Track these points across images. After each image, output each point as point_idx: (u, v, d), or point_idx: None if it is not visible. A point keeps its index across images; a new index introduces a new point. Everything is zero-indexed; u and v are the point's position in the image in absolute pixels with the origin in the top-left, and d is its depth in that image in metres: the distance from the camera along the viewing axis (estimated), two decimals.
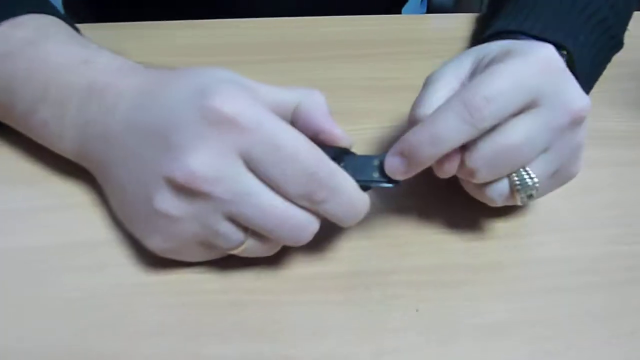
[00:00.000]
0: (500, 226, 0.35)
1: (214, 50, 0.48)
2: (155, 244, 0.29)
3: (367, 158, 0.31)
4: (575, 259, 0.34)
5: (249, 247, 0.29)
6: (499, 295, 0.32)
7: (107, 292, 0.30)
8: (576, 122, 0.31)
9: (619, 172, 0.40)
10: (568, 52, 0.39)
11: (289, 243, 0.29)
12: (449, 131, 0.28)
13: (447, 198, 0.37)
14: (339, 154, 0.30)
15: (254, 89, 0.29)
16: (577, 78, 0.36)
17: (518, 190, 0.31)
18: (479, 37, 0.44)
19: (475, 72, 0.33)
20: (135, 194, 0.29)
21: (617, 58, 0.47)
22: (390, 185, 0.30)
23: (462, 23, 0.54)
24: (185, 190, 0.27)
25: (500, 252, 0.34)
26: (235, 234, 0.28)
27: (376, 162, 0.31)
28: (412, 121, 0.32)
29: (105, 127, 0.30)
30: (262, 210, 0.27)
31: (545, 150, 0.31)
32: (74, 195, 0.35)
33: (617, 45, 0.46)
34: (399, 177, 0.30)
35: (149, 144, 0.28)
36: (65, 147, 0.33)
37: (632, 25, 0.51)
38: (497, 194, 0.31)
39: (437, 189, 0.37)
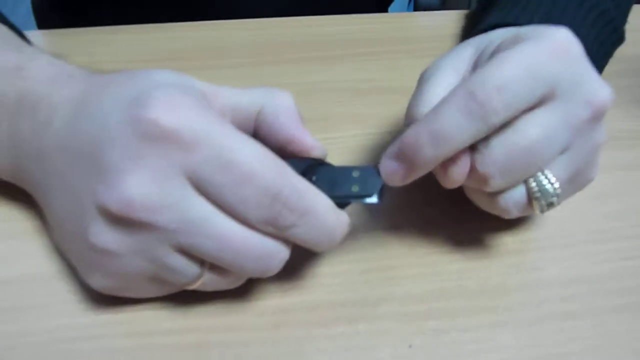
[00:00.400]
0: (502, 242, 0.31)
1: (181, 55, 0.44)
2: (96, 282, 0.25)
3: (345, 170, 0.27)
4: (588, 279, 0.30)
5: (208, 281, 0.25)
6: (503, 324, 0.28)
7: (43, 339, 0.26)
8: (597, 116, 0.26)
9: (628, 176, 0.36)
10: None
11: (255, 275, 0.25)
12: (454, 127, 0.24)
13: (443, 211, 0.33)
14: (311, 167, 0.26)
15: (205, 94, 0.25)
16: None
17: (537, 198, 0.26)
18: (470, 33, 0.40)
19: (478, 63, 0.28)
20: (72, 225, 0.25)
21: (619, 53, 0.44)
22: (374, 200, 0.26)
23: (450, 20, 0.50)
24: (123, 221, 0.23)
25: (504, 272, 0.30)
26: (190, 268, 0.24)
27: (356, 174, 0.26)
28: (409, 124, 0.28)
29: (39, 146, 0.26)
30: (217, 240, 0.23)
31: (563, 150, 0.26)
32: (9, 221, 0.30)
33: (619, 39, 0.43)
34: (397, 183, 0.26)
35: (80, 167, 0.24)
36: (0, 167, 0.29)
37: (635, 19, 0.48)
38: (513, 203, 0.27)
39: (430, 200, 0.33)
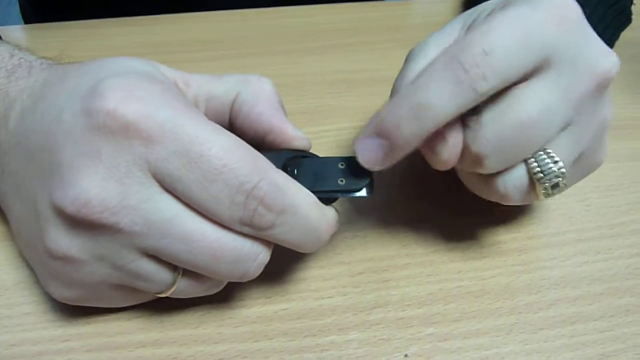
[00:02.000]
0: (505, 239, 0.29)
1: (166, 47, 0.42)
2: (57, 291, 0.23)
3: (330, 161, 0.24)
4: (598, 277, 0.27)
5: (182, 288, 0.22)
6: (508, 329, 0.25)
7: (5, 353, 0.23)
8: (601, 88, 0.23)
9: (638, 167, 0.34)
10: None
11: (232, 279, 0.22)
12: (438, 97, 0.21)
13: (439, 206, 0.30)
14: (293, 159, 0.24)
15: (176, 82, 0.23)
16: None
17: (540, 180, 0.23)
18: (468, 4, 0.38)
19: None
20: (29, 229, 0.22)
21: (629, 38, 0.41)
22: (363, 193, 0.24)
23: (446, 8, 0.48)
24: (81, 224, 0.20)
25: (507, 272, 0.28)
26: (160, 274, 0.22)
27: (342, 166, 0.24)
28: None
29: None
30: (187, 242, 0.21)
31: (566, 126, 0.23)
32: None
33: (626, 20, 0.41)
34: (376, 166, 0.23)
35: (34, 165, 0.22)
36: None
37: (637, 1, 0.46)
38: (513, 186, 0.24)
39: (425, 194, 0.31)
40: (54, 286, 0.23)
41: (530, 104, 0.22)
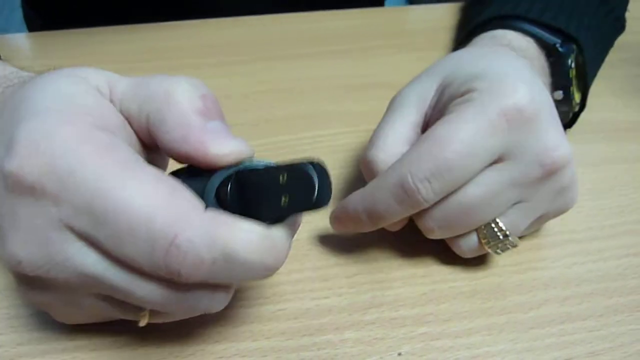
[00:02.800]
0: None
1: (168, 54, 0.43)
2: (55, 317, 0.24)
3: (269, 174, 0.20)
4: (587, 278, 0.28)
5: (156, 317, 0.22)
6: (499, 328, 0.26)
7: None
8: (552, 173, 0.25)
9: (631, 169, 0.34)
10: (577, 45, 0.35)
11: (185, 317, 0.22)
12: (388, 210, 0.25)
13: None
14: (227, 179, 0.20)
15: (96, 86, 0.21)
16: (584, 66, 0.32)
17: (488, 244, 0.26)
18: (466, 26, 0.39)
19: (438, 104, 0.27)
20: None
21: (621, 42, 0.42)
22: (310, 210, 0.19)
23: (445, 13, 0.49)
24: (28, 279, 0.20)
25: (499, 273, 0.28)
26: (127, 310, 0.22)
27: (283, 180, 0.19)
28: (366, 163, 0.27)
29: None
30: (125, 293, 0.20)
31: (518, 202, 0.26)
32: None
33: (621, 27, 0.41)
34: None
35: None
36: None
37: (633, 5, 0.46)
38: (467, 247, 0.27)
39: None
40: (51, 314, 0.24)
41: (474, 192, 0.25)
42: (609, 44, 0.41)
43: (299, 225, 0.22)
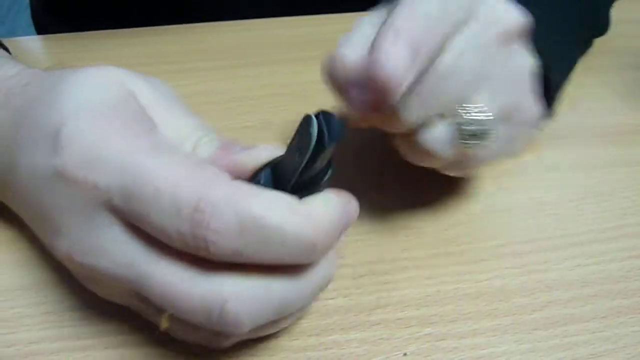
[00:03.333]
0: (500, 244, 0.30)
1: (173, 57, 0.43)
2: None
3: (287, 150, 0.21)
4: (590, 280, 0.29)
5: (174, 330, 0.23)
6: (503, 329, 0.26)
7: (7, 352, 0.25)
8: (508, 39, 0.25)
9: (634, 172, 0.35)
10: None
11: (208, 327, 0.20)
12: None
13: (437, 214, 0.31)
14: (259, 171, 0.21)
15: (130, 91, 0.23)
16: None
17: (461, 129, 0.24)
18: None
19: None
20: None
21: (626, 46, 0.42)
22: (319, 148, 0.19)
23: None
24: (82, 268, 0.22)
25: (503, 275, 0.29)
26: (148, 311, 0.23)
27: (293, 141, 0.20)
28: (331, 61, 0.25)
29: (3, 177, 0.25)
30: (142, 286, 0.20)
31: (478, 81, 0.24)
32: None
33: (602, 26, 0.41)
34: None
35: (27, 210, 0.24)
36: None
37: (637, 10, 0.47)
38: (436, 140, 0.24)
39: (424, 202, 0.32)
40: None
41: (445, 57, 0.23)
42: (588, 41, 0.41)
43: (345, 202, 0.20)
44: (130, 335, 0.25)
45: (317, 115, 0.19)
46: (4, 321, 0.26)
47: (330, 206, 0.20)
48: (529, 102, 0.27)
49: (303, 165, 0.19)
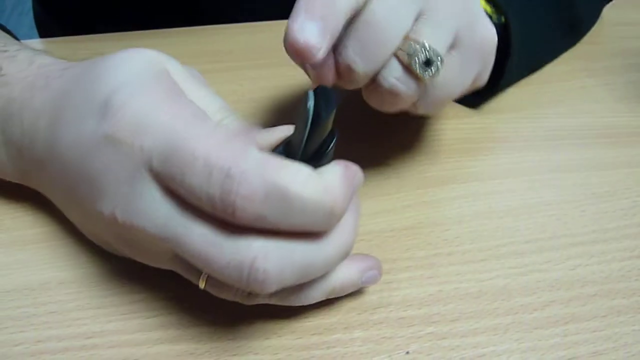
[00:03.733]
0: (502, 243, 0.30)
1: (179, 60, 0.44)
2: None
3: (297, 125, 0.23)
4: (591, 280, 0.29)
5: (210, 286, 0.24)
6: (504, 328, 0.27)
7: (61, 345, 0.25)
8: None
9: (634, 173, 0.35)
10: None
11: (238, 286, 0.22)
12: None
13: (440, 212, 0.32)
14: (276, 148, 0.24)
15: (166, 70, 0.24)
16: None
17: (411, 62, 0.25)
18: None
19: None
20: (94, 227, 0.26)
21: (625, 48, 0.43)
22: (328, 147, 0.23)
23: None
24: (122, 229, 0.23)
25: (504, 274, 0.29)
26: (188, 273, 0.24)
27: (296, 118, 0.22)
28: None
29: (34, 153, 0.27)
30: (178, 245, 0.21)
31: (419, 15, 0.26)
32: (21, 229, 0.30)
33: (577, 27, 0.42)
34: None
35: (70, 177, 0.24)
36: (6, 172, 0.29)
37: (637, 12, 0.47)
38: (393, 77, 0.26)
39: (426, 202, 0.32)
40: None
41: (375, 5, 0.24)
42: (564, 36, 0.42)
43: (351, 171, 0.22)
44: (135, 334, 0.26)
45: (315, 91, 0.21)
46: (12, 320, 0.26)
47: (341, 175, 0.21)
48: (480, 25, 0.28)
49: (306, 136, 0.21)
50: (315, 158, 0.22)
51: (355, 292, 0.28)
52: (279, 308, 0.27)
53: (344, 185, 0.21)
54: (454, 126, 0.38)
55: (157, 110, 0.22)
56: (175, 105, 0.22)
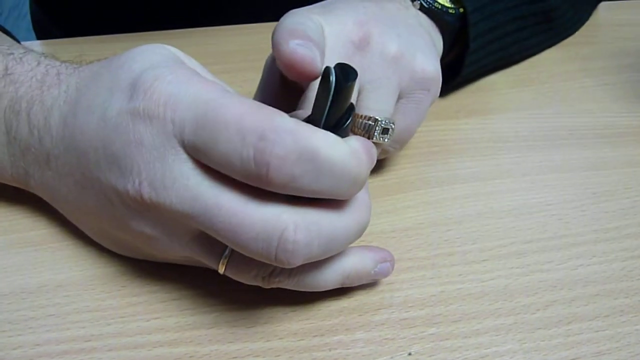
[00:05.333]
0: (503, 244, 0.30)
1: None
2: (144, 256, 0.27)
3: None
4: (593, 279, 0.29)
5: (232, 266, 0.24)
6: (507, 328, 0.26)
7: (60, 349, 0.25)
8: (364, 41, 0.29)
9: (634, 173, 0.35)
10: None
11: (265, 259, 0.22)
12: None
13: (440, 213, 0.32)
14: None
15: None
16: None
17: (369, 135, 0.27)
18: None
19: None
20: (109, 218, 0.25)
21: (622, 48, 0.43)
22: (346, 122, 0.24)
23: None
24: (144, 206, 0.23)
25: (506, 275, 0.29)
26: (209, 253, 0.24)
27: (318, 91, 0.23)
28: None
29: (43, 151, 0.26)
30: (209, 216, 0.22)
31: (360, 89, 0.28)
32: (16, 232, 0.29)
33: (549, 26, 0.43)
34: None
35: (90, 162, 0.24)
36: (4, 175, 0.29)
37: (634, 12, 0.47)
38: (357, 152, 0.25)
39: (427, 203, 0.32)
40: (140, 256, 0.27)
41: None
42: (535, 34, 0.42)
43: (369, 144, 0.23)
44: (134, 337, 0.25)
45: (335, 66, 0.23)
46: (10, 323, 0.26)
47: (363, 145, 0.23)
48: (417, 63, 0.30)
49: (327, 108, 0.22)
50: (334, 131, 0.22)
51: (357, 293, 0.28)
52: (279, 309, 0.27)
53: (366, 153, 0.22)
54: (454, 126, 0.38)
55: (187, 85, 0.22)
56: (202, 80, 0.23)
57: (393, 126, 0.27)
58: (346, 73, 0.22)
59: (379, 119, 0.27)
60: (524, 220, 0.32)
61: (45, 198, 0.29)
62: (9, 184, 0.29)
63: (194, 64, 0.26)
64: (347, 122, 0.24)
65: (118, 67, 0.24)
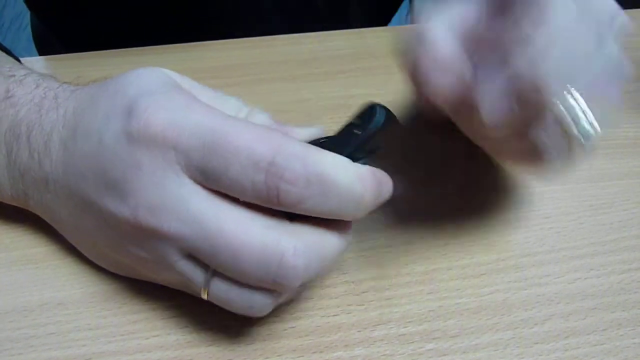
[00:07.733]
0: (501, 257, 0.30)
1: (190, 76, 0.44)
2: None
3: (346, 127, 0.25)
4: (591, 293, 0.29)
5: (217, 292, 0.24)
6: (505, 343, 0.27)
7: None
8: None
9: (632, 185, 0.35)
10: None
11: (262, 284, 0.22)
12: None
13: (437, 227, 0.32)
14: (317, 141, 0.25)
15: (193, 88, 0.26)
16: None
17: (571, 124, 0.23)
18: None
19: None
20: (106, 240, 0.26)
21: (631, 57, 0.43)
22: (379, 120, 0.24)
23: None
24: (141, 230, 0.23)
25: (504, 289, 0.29)
26: (194, 274, 0.24)
27: (353, 120, 0.25)
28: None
29: (42, 174, 0.27)
30: (209, 239, 0.22)
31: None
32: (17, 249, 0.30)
33: None
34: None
35: (88, 185, 0.25)
36: (3, 195, 0.29)
37: (633, 23, 0.47)
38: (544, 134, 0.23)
39: (424, 217, 0.32)
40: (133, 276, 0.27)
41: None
42: None
43: (381, 174, 0.24)
44: (134, 355, 0.26)
45: (379, 106, 0.24)
46: (11, 342, 0.26)
47: (372, 172, 0.23)
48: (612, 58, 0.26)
49: (364, 139, 0.23)
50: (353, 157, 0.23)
51: (355, 309, 0.28)
52: (278, 326, 0.27)
53: (374, 180, 0.23)
54: (447, 137, 0.38)
55: (186, 111, 0.22)
56: (202, 105, 0.23)
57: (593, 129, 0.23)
58: (386, 111, 0.23)
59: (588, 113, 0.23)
60: (521, 233, 0.32)
61: (44, 218, 0.29)
62: (9, 203, 0.30)
63: (190, 84, 0.26)
64: (364, 159, 0.24)
65: (114, 92, 0.25)
